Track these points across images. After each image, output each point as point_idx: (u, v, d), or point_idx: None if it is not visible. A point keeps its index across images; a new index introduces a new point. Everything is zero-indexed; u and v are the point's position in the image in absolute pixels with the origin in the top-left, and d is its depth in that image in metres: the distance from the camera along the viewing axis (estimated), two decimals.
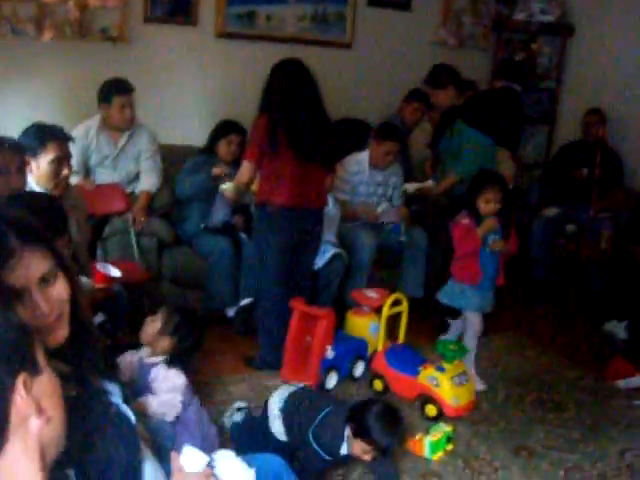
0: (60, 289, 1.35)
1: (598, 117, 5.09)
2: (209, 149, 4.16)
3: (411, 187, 4.44)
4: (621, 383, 3.73)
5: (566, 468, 2.95)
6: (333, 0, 5.08)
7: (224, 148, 4.10)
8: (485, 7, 5.74)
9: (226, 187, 3.80)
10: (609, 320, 4.19)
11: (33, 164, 2.84)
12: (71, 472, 1.09)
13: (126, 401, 1.45)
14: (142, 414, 2.19)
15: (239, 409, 2.97)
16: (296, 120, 3.36)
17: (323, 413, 2.59)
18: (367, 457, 2.55)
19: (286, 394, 2.74)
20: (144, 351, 2.57)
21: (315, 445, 2.56)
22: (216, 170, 3.91)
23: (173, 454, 1.53)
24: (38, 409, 0.94)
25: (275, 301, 3.53)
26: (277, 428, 2.69)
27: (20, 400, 0.92)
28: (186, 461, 1.51)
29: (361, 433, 2.50)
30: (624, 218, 4.70)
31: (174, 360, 2.50)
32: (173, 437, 2.27)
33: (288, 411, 2.68)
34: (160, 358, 2.50)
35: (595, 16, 5.53)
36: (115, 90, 3.92)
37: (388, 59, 5.24)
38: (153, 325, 2.57)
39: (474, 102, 4.30)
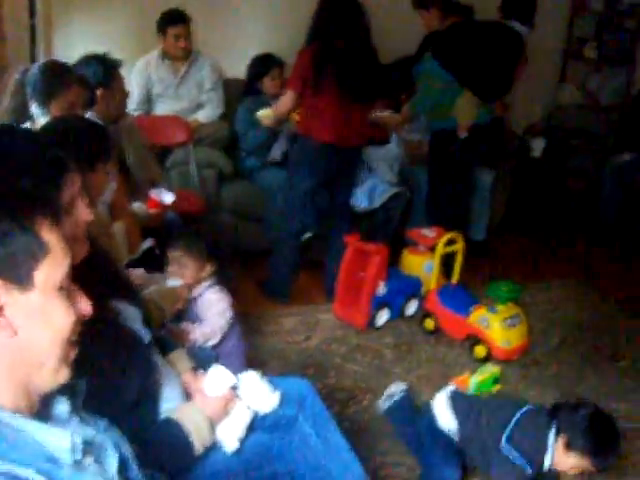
0: (82, 209, 1.41)
1: None
2: (253, 86, 4.13)
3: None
4: None
5: (616, 417, 2.88)
6: None
7: (269, 83, 4.08)
8: None
9: (262, 113, 3.71)
10: None
11: (105, 95, 2.88)
12: (82, 382, 1.13)
13: (148, 324, 1.47)
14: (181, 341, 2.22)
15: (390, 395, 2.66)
16: (345, 54, 3.27)
17: (518, 415, 2.22)
18: (572, 472, 2.18)
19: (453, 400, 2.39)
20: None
21: (515, 453, 2.15)
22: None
23: (197, 374, 1.54)
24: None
25: (296, 232, 3.60)
26: (446, 421, 2.36)
27: None
28: (210, 383, 1.52)
29: (576, 448, 2.10)
30: None
31: (218, 282, 2.48)
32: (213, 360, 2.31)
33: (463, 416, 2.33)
34: (204, 285, 2.47)
35: None
36: (169, 21, 3.98)
37: None
38: (179, 261, 2.41)
39: (448, 31, 3.70)
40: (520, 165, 4.85)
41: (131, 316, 1.46)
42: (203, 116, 4.15)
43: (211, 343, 2.40)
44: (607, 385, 3.12)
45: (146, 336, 1.47)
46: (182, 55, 4.07)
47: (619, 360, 3.35)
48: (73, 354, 1.06)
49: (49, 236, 1.01)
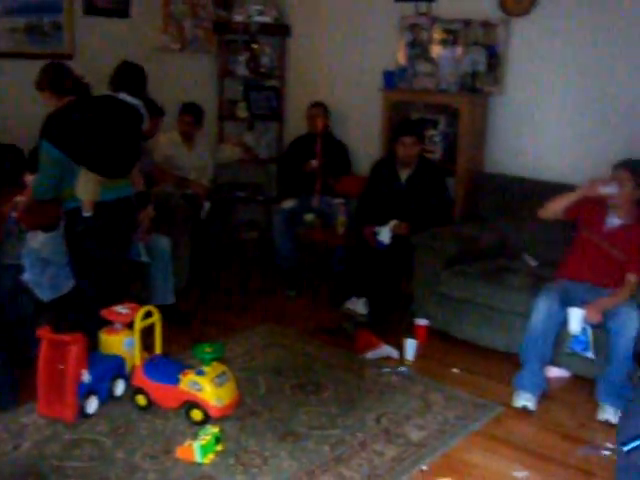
0: None
1: (320, 109, 5.43)
2: None
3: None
4: (369, 355, 4.05)
5: (330, 444, 3.14)
6: (47, 10, 4.88)
7: None
8: (204, 10, 5.84)
9: None
10: (349, 298, 4.50)
11: None
12: None
13: None
14: None
15: None
16: None
17: None
18: None
19: None
20: None
21: None
22: None
23: None
24: None
25: None
26: None
27: None
28: None
29: None
30: (354, 203, 5.05)
31: None
32: None
33: None
34: None
35: (308, 16, 5.87)
36: None
37: (113, 68, 5.15)
38: None
39: (60, 111, 3.57)
40: (196, 227, 5.03)
41: None
42: None
43: None
44: (317, 417, 3.37)
45: None
46: None
47: (322, 391, 3.64)
48: None
49: None
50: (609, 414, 3.45)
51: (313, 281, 5.23)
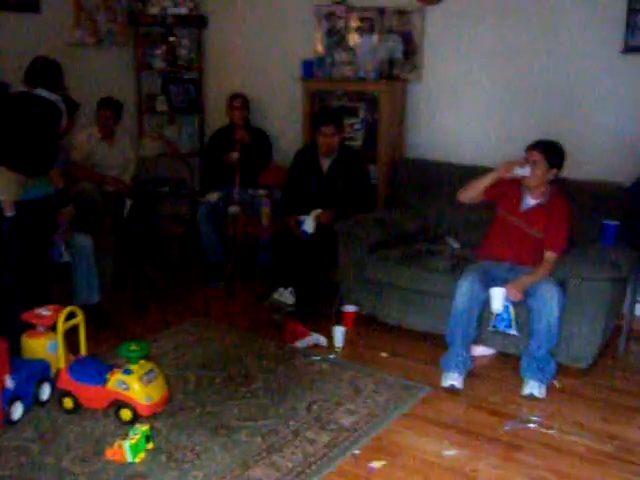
0: None
1: (240, 100, 5.40)
2: None
3: None
4: (298, 344, 4.07)
5: (262, 434, 3.14)
6: None
7: None
8: (118, 3, 5.73)
9: None
10: (276, 289, 4.50)
11: None
12: None
13: None
14: None
15: None
16: None
17: None
18: None
19: None
20: None
21: None
22: None
23: None
24: None
25: None
26: None
27: None
28: None
29: None
30: (278, 194, 5.05)
31: None
32: None
33: None
34: None
35: (224, 6, 5.84)
36: None
37: (25, 65, 5.00)
38: None
39: None
40: (118, 225, 4.95)
41: None
42: None
43: None
44: (248, 408, 3.37)
45: None
46: None
47: (252, 382, 3.64)
48: None
49: None
50: (533, 388, 3.56)
51: (240, 273, 5.22)
